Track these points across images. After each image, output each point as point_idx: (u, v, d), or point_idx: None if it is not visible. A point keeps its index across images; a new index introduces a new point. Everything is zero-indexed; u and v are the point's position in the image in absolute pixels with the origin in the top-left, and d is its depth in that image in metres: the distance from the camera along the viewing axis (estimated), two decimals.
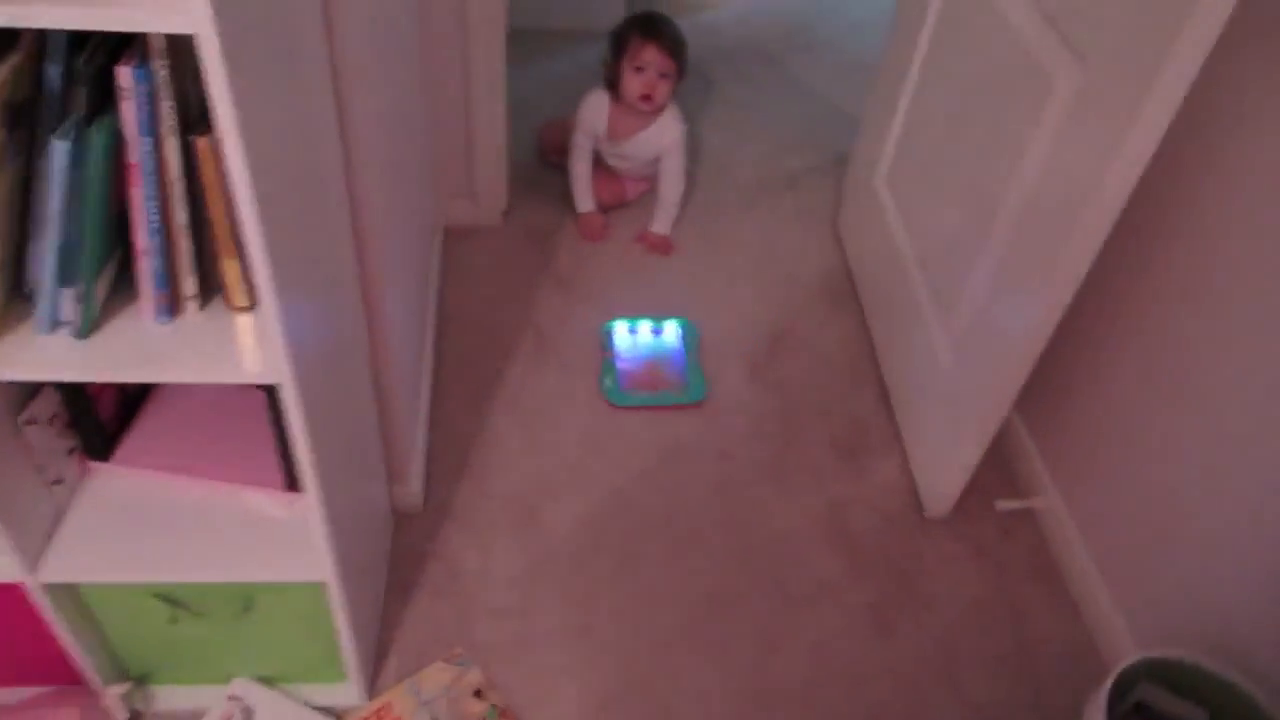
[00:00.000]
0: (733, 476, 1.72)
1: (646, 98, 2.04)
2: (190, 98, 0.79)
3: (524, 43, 2.79)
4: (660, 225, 2.18)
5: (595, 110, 2.12)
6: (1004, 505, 1.69)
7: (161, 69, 0.74)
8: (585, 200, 2.19)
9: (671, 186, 2.15)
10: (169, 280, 0.87)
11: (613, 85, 2.08)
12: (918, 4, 1.81)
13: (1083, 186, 1.22)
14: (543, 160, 2.39)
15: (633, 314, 1.99)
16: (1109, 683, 1.16)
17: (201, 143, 0.78)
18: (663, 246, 2.17)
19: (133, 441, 1.21)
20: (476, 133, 2.02)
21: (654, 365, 1.88)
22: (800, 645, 1.48)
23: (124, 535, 1.13)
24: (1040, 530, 1.68)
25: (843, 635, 1.50)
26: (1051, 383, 1.65)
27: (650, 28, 2.02)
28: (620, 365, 1.87)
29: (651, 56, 2.01)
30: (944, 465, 1.61)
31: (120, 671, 1.32)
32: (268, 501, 1.18)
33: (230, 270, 0.89)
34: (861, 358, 1.97)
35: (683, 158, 2.14)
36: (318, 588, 1.17)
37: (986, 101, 1.52)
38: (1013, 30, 1.42)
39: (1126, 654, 1.39)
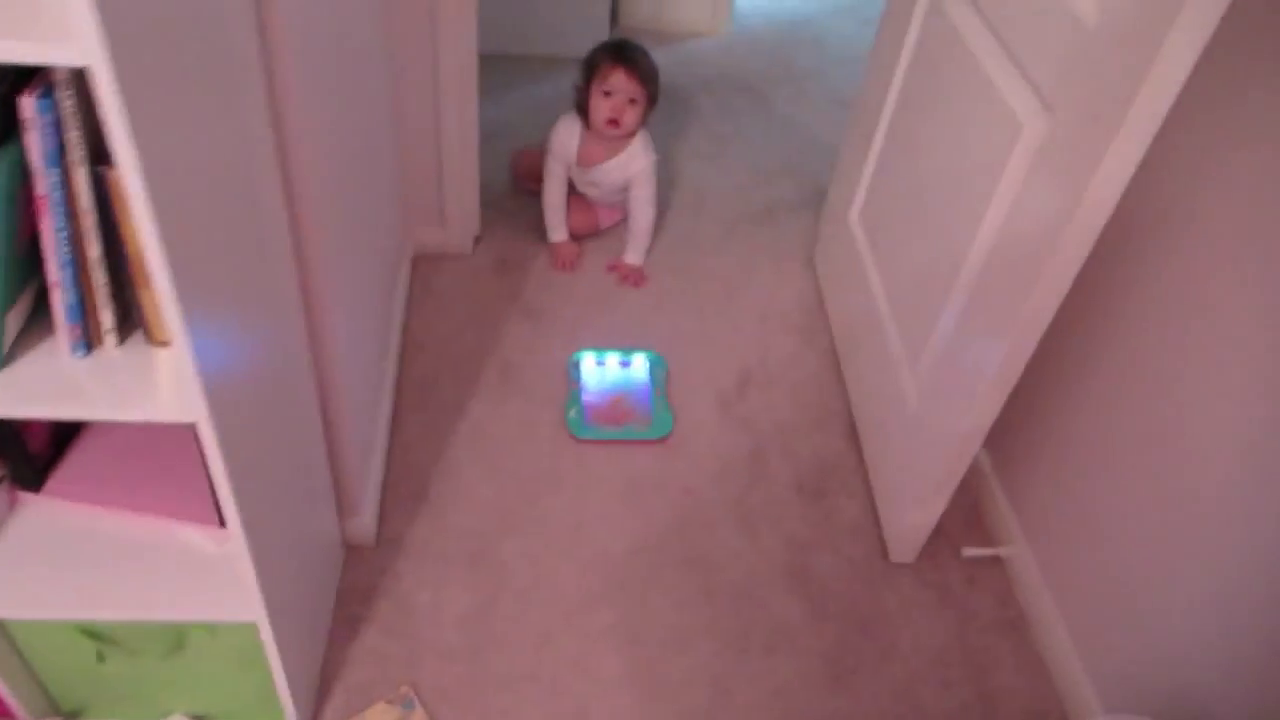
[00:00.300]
0: (695, 515, 1.68)
1: (613, 122, 2.02)
2: (102, 128, 0.76)
3: (501, 68, 2.79)
4: (632, 255, 2.16)
5: (566, 135, 2.10)
6: (970, 553, 1.65)
7: (67, 99, 0.71)
8: (558, 229, 2.17)
9: (641, 215, 2.13)
10: (84, 313, 0.84)
11: (583, 110, 2.06)
12: (893, 43, 1.79)
13: (1048, 234, 1.19)
14: (517, 187, 2.37)
15: (602, 345, 1.96)
16: None
17: (113, 174, 0.75)
18: (635, 277, 2.15)
19: (65, 472, 1.17)
20: (447, 159, 2.00)
21: (620, 399, 1.85)
22: (758, 692, 1.44)
23: (52, 570, 1.09)
24: (1007, 579, 1.64)
25: (801, 683, 1.46)
26: (1023, 429, 1.62)
27: (620, 52, 2.01)
28: (586, 398, 1.84)
29: (619, 81, 1.99)
30: (910, 510, 1.58)
31: (52, 706, 1.28)
32: (201, 537, 1.14)
33: (149, 303, 0.86)
34: (832, 396, 1.94)
35: (652, 187, 2.12)
36: (250, 627, 1.13)
37: (957, 144, 1.50)
38: (985, 75, 1.41)
39: (1090, 710, 1.36)
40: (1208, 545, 1.20)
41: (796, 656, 1.49)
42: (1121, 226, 1.35)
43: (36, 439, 1.14)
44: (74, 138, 0.73)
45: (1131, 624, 1.34)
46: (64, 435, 1.20)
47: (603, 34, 2.93)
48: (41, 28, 0.62)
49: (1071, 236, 1.16)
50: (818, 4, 3.54)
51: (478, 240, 2.20)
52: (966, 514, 1.73)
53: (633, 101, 2.01)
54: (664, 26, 3.18)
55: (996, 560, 1.66)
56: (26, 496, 1.15)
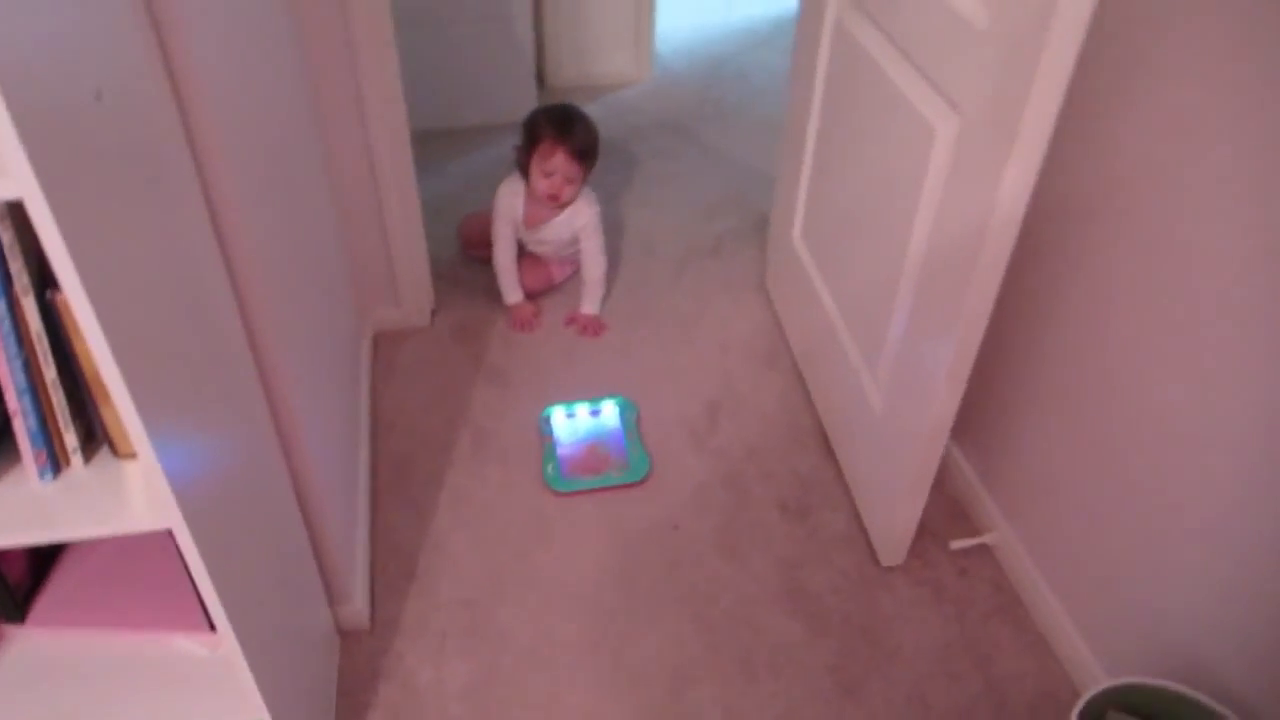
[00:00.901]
0: (685, 550, 1.70)
1: (553, 198, 2.08)
2: (45, 252, 0.78)
3: (435, 143, 2.84)
4: (589, 306, 2.19)
5: (511, 197, 2.14)
6: (958, 544, 1.68)
7: (4, 232, 0.73)
8: (513, 291, 2.20)
9: (594, 266, 2.17)
10: (47, 437, 0.85)
11: (526, 171, 2.10)
12: (807, 67, 1.86)
13: (975, 227, 1.24)
14: (466, 255, 2.40)
15: (569, 398, 1.98)
16: (1075, 714, 1.14)
17: (60, 299, 0.77)
18: (594, 327, 2.18)
19: (47, 600, 1.17)
20: (394, 237, 2.03)
21: (595, 447, 1.87)
22: (770, 715, 1.45)
23: (44, 699, 1.08)
24: (998, 565, 1.66)
25: (811, 699, 1.47)
26: (989, 418, 1.66)
27: (561, 131, 2.03)
28: (561, 451, 1.85)
29: (560, 163, 2.03)
30: (892, 511, 1.60)
31: None
32: (192, 644, 1.14)
33: (111, 417, 0.87)
34: (801, 414, 1.97)
35: (600, 237, 2.16)
36: None
37: (880, 154, 1.56)
38: (894, 85, 1.46)
39: (1096, 679, 1.38)
40: (1182, 502, 1.23)
41: (803, 674, 1.50)
42: (1052, 210, 1.40)
43: (14, 569, 1.14)
44: (17, 268, 0.75)
45: (1122, 589, 1.37)
46: (42, 562, 1.20)
47: (530, 97, 2.99)
48: None
49: (997, 226, 1.21)
50: (735, 40, 3.64)
51: (434, 312, 2.22)
52: (948, 508, 1.76)
53: (570, 181, 2.06)
54: (590, 81, 3.26)
55: (984, 548, 1.68)
56: (10, 630, 1.15)
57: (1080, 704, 1.16)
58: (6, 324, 0.77)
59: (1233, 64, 1.07)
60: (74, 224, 0.68)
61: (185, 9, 0.92)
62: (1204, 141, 1.12)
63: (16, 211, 0.74)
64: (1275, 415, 1.06)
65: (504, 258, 2.17)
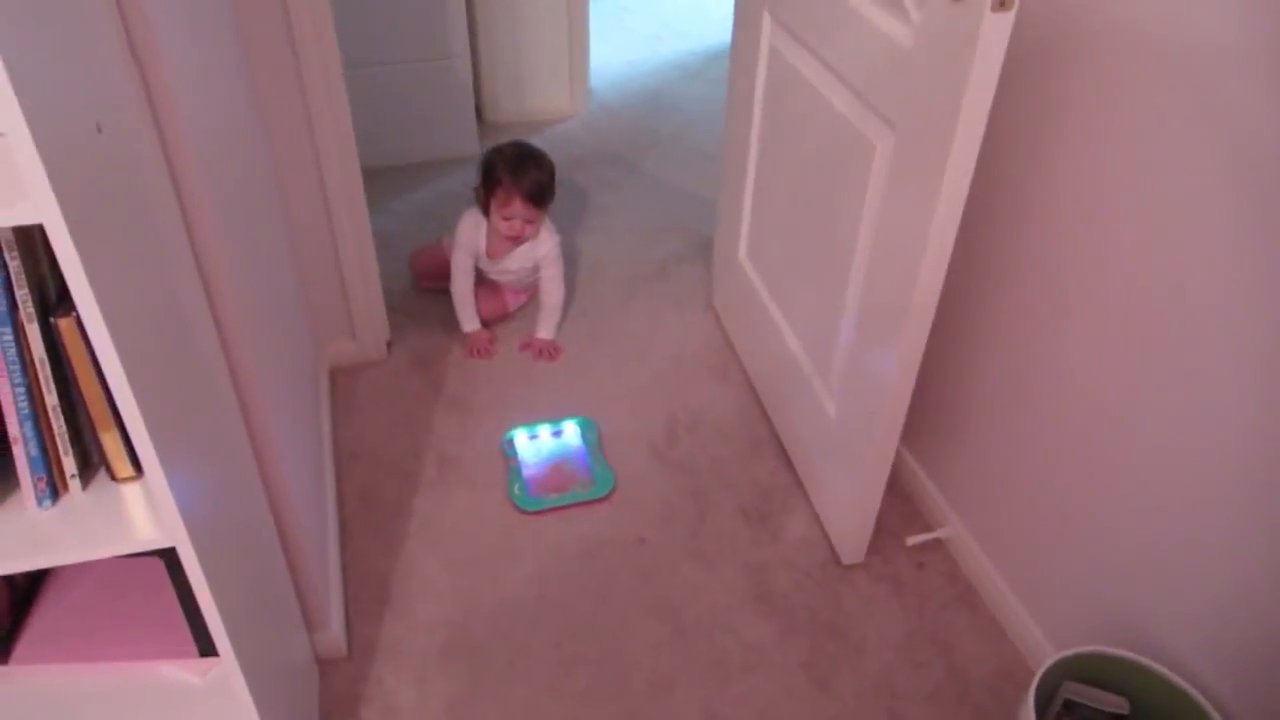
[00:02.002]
0: (653, 561, 1.74)
1: (513, 238, 2.14)
2: (47, 279, 0.81)
3: (380, 180, 2.87)
4: (545, 330, 2.24)
5: (472, 231, 2.18)
6: (914, 540, 1.75)
7: (13, 259, 0.75)
8: (470, 319, 2.24)
9: (552, 292, 2.22)
10: (47, 463, 0.87)
11: (486, 210, 2.15)
12: (744, 92, 1.95)
13: (915, 235, 1.32)
14: (418, 287, 2.43)
15: (531, 420, 2.02)
16: (1033, 686, 1.21)
17: (64, 323, 0.80)
18: (550, 351, 2.22)
19: (30, 638, 1.16)
20: (348, 273, 2.06)
21: (559, 466, 1.91)
22: (747, 714, 1.50)
23: None
24: (952, 557, 1.75)
25: (785, 696, 1.52)
26: (933, 416, 1.75)
27: (517, 179, 2.07)
28: (526, 471, 1.89)
29: (518, 208, 2.08)
30: (849, 512, 1.67)
31: None
32: (181, 671, 1.15)
33: (110, 443, 0.89)
34: (756, 424, 2.04)
35: (560, 265, 2.22)
36: None
37: (821, 172, 1.64)
38: (831, 106, 1.55)
39: (1048, 655, 1.45)
40: (1120, 485, 1.32)
41: (777, 672, 1.55)
42: (989, 214, 1.50)
43: None
44: (23, 295, 0.77)
45: (1068, 572, 1.45)
46: (21, 601, 1.19)
47: (471, 133, 3.05)
48: None
49: (936, 234, 1.29)
50: (666, 73, 3.75)
51: (390, 344, 2.24)
52: (903, 507, 1.84)
53: (529, 221, 2.12)
54: (527, 116, 3.33)
55: (938, 543, 1.76)
56: None
57: (1038, 675, 1.23)
58: (12, 351, 0.80)
59: (1164, 52, 1.18)
60: (87, 247, 0.71)
61: (163, 53, 0.95)
62: (1134, 136, 1.22)
63: (22, 238, 0.77)
64: (1215, 397, 1.16)
65: (462, 286, 2.21)
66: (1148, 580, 1.30)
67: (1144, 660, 1.24)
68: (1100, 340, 1.31)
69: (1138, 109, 1.18)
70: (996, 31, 1.11)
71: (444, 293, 2.26)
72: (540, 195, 2.10)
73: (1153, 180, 1.18)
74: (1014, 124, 1.41)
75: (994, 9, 1.09)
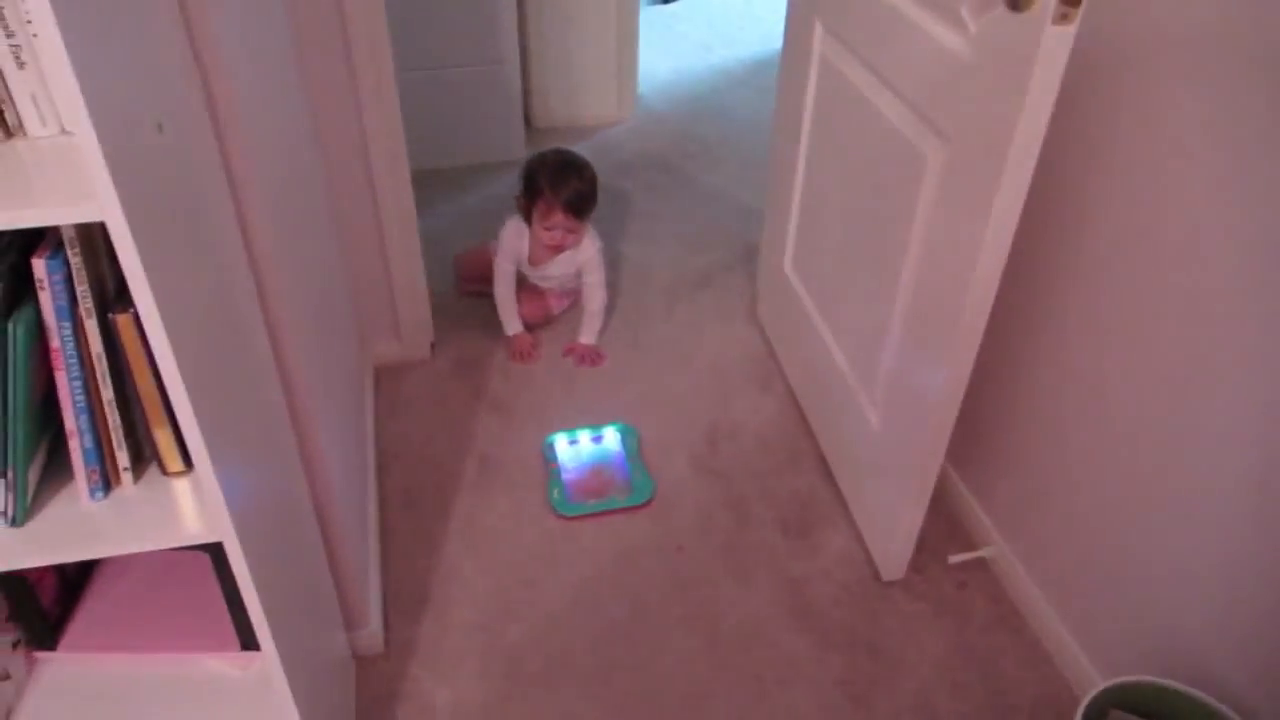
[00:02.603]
0: (690, 571, 1.73)
1: (556, 248, 2.16)
2: (106, 276, 0.82)
3: (427, 183, 2.89)
4: (587, 336, 2.24)
5: (515, 238, 2.20)
6: (956, 559, 1.72)
7: (74, 255, 0.77)
8: (513, 322, 2.25)
9: (594, 299, 2.23)
10: (101, 456, 0.89)
11: (528, 219, 2.17)
12: (794, 102, 1.94)
13: (965, 249, 1.30)
14: (461, 290, 2.45)
15: (571, 425, 2.02)
16: (1079, 715, 1.19)
17: (121, 319, 0.81)
18: (592, 356, 2.23)
19: (78, 627, 1.19)
20: (395, 274, 2.08)
21: (598, 472, 1.91)
22: None
23: None
24: (995, 578, 1.71)
25: (821, 713, 1.50)
26: (980, 434, 1.72)
27: (558, 191, 2.08)
28: (565, 476, 1.89)
29: (559, 220, 2.10)
30: (891, 528, 1.65)
31: None
32: (223, 664, 1.16)
33: (162, 438, 0.90)
34: (798, 436, 2.03)
35: (602, 271, 2.22)
36: None
37: (870, 182, 1.63)
38: (883, 117, 1.54)
39: (1094, 683, 1.42)
40: (1173, 509, 1.29)
41: (812, 688, 1.54)
42: (1042, 229, 1.47)
43: (46, 596, 1.16)
44: (83, 291, 0.79)
45: (1116, 596, 1.42)
46: (71, 590, 1.22)
47: (519, 137, 3.07)
48: (50, 194, 0.69)
49: (988, 249, 1.27)
50: (714, 80, 3.74)
51: (434, 346, 2.26)
52: (945, 524, 1.81)
53: (572, 231, 2.13)
54: (575, 121, 3.34)
55: (981, 562, 1.73)
56: (44, 656, 1.16)
57: (1084, 703, 1.21)
58: (70, 346, 0.81)
59: (1220, 70, 1.15)
60: (146, 244, 0.72)
61: (224, 55, 0.97)
62: (1193, 155, 1.20)
63: (82, 235, 0.78)
64: (1262, 419, 1.12)
65: (504, 291, 2.22)
66: (1201, 609, 1.26)
67: (1195, 692, 1.20)
68: (1151, 361, 1.28)
69: (1191, 121, 1.16)
70: (1056, 45, 1.09)
71: (486, 296, 2.28)
72: (582, 206, 2.11)
73: (1208, 197, 1.15)
74: (1067, 138, 1.38)
75: (1054, 22, 1.07)
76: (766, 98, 3.41)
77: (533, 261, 2.23)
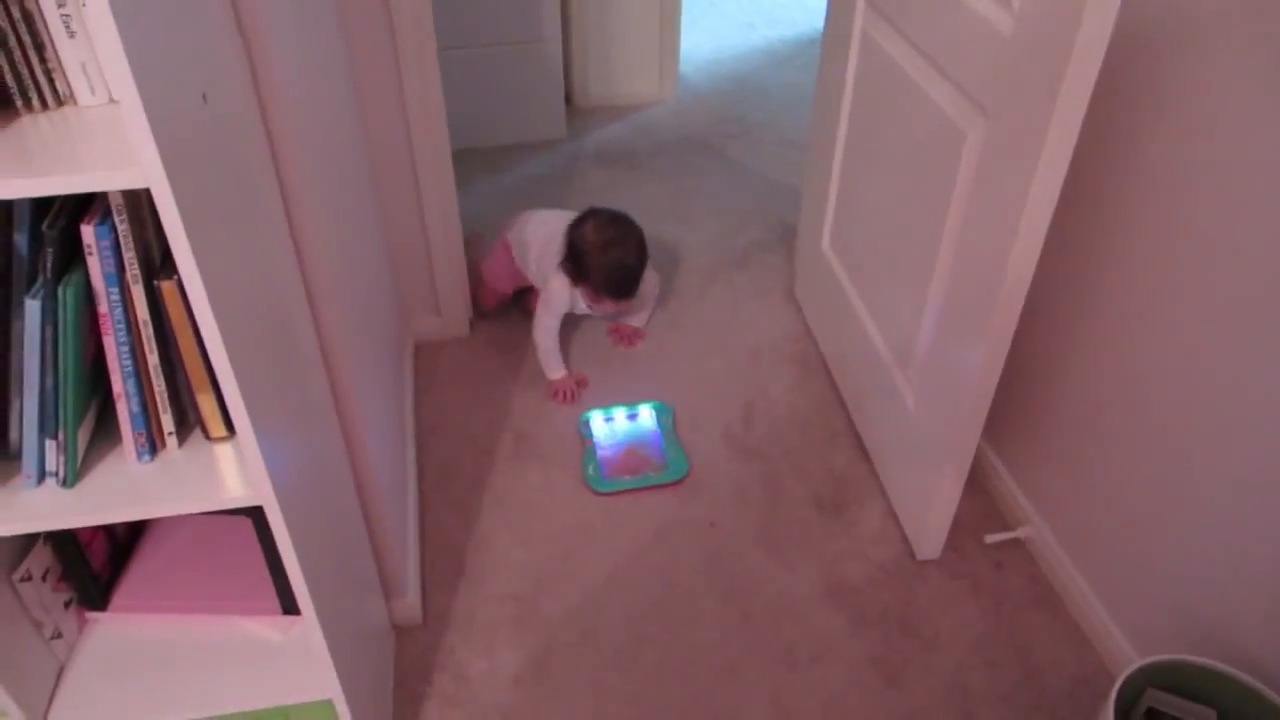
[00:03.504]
0: (724, 546, 1.74)
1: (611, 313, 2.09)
2: (152, 244, 0.84)
3: (466, 161, 2.91)
4: (638, 320, 2.24)
5: (563, 295, 2.05)
6: (992, 538, 1.71)
7: (121, 223, 0.79)
8: (557, 368, 2.08)
9: (648, 288, 2.17)
10: (147, 420, 0.91)
11: (574, 280, 2.03)
12: (836, 79, 1.92)
13: (1004, 226, 1.29)
14: (481, 311, 2.30)
15: (607, 403, 2.03)
16: (1114, 692, 1.18)
17: (166, 286, 0.83)
18: (632, 335, 2.23)
19: (127, 587, 1.23)
20: (435, 251, 2.10)
21: (633, 449, 1.92)
22: (813, 705, 1.49)
23: (127, 682, 1.14)
24: (1032, 558, 1.70)
25: (854, 689, 1.51)
26: (1018, 414, 1.70)
27: (610, 285, 1.95)
28: (601, 452, 1.91)
29: (609, 304, 2.02)
30: (927, 507, 1.64)
31: None
32: (265, 627, 1.20)
33: (205, 403, 0.93)
34: (833, 414, 2.02)
35: (654, 274, 2.16)
36: (325, 707, 1.18)
37: (909, 160, 1.61)
38: (923, 93, 1.52)
39: (1131, 663, 1.41)
40: (1211, 489, 1.27)
41: (845, 664, 1.54)
42: (1081, 207, 1.45)
43: (96, 558, 1.20)
44: (130, 257, 0.81)
45: (1154, 577, 1.40)
46: (121, 552, 1.26)
47: (559, 117, 3.07)
48: (97, 160, 0.71)
49: (1026, 226, 1.26)
50: (756, 60, 3.71)
51: (472, 323, 2.28)
52: (982, 504, 1.80)
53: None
54: (616, 100, 3.34)
55: (1018, 542, 1.72)
56: (94, 615, 1.20)
57: (1119, 681, 1.20)
58: (119, 311, 0.84)
59: (1271, 48, 1.12)
60: (190, 212, 0.74)
61: (268, 28, 0.98)
62: (1233, 135, 1.17)
63: (129, 203, 0.80)
64: None
65: (549, 344, 2.07)
66: (1240, 589, 1.24)
67: (1233, 671, 1.19)
68: (1193, 340, 1.26)
69: (1240, 101, 1.13)
70: (1100, 16, 1.07)
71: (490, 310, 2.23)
72: (632, 290, 2.00)
73: (1251, 180, 1.12)
74: (1110, 119, 1.36)
75: None
76: (808, 77, 3.39)
77: (593, 305, 2.08)
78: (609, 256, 1.95)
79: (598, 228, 1.98)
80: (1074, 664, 1.53)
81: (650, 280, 2.15)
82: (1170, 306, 1.30)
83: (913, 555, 1.71)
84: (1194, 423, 1.28)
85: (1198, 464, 1.29)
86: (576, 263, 1.99)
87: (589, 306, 2.08)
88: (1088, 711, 1.46)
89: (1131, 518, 1.44)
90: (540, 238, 2.12)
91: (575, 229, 2.01)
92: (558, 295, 2.04)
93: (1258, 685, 1.17)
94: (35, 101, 0.75)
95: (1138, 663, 1.22)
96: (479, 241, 2.38)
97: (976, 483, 1.83)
